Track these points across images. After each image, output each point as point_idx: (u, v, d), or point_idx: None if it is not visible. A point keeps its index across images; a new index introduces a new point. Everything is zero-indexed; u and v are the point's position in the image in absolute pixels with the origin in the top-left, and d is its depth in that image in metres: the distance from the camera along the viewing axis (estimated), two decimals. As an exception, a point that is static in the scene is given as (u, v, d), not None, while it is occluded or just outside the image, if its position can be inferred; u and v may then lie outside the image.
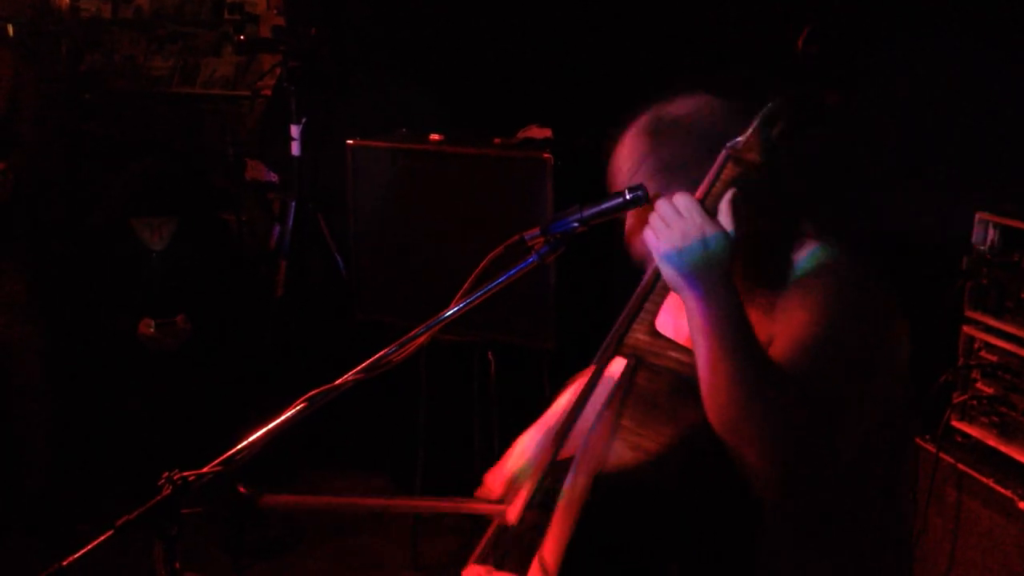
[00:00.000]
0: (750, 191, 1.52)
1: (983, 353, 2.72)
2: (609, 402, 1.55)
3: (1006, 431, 2.65)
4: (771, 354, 1.45)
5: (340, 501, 1.94)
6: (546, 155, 3.26)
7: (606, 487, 1.45)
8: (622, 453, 1.46)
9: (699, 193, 1.51)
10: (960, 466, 2.69)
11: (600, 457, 1.48)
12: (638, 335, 1.57)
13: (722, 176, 1.50)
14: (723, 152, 1.51)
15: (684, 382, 1.50)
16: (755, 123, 1.50)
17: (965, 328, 2.76)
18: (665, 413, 1.50)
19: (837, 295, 1.49)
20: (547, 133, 3.52)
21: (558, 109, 3.67)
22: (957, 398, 2.76)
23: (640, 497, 1.46)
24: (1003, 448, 2.64)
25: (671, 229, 1.46)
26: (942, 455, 2.73)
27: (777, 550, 1.54)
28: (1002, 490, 2.57)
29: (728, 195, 1.50)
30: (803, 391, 1.40)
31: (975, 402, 2.73)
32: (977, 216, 2.72)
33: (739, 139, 1.51)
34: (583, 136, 3.59)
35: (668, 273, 1.48)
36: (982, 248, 2.70)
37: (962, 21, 2.94)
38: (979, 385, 2.73)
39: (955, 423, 2.77)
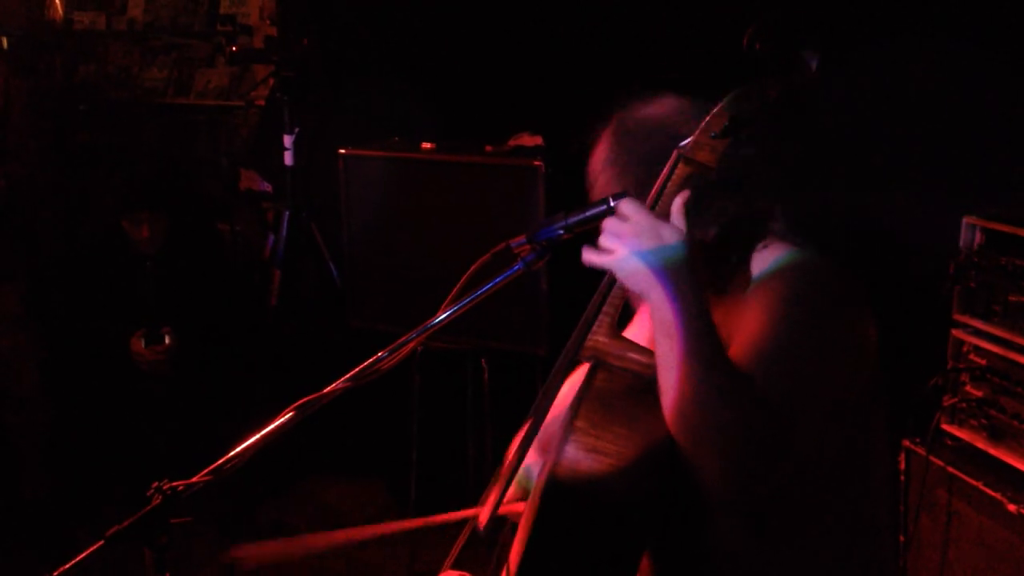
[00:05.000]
0: (704, 191, 1.53)
1: (972, 356, 2.73)
2: (571, 405, 1.55)
3: (995, 434, 2.66)
4: (729, 355, 1.45)
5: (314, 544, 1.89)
6: (537, 162, 3.27)
7: (560, 490, 1.43)
8: (576, 455, 1.44)
9: (651, 195, 1.52)
10: (950, 469, 2.70)
11: (552, 460, 1.47)
12: (598, 337, 1.57)
13: (673, 177, 1.51)
14: (674, 153, 1.53)
15: (643, 383, 1.49)
16: (703, 122, 1.51)
17: (954, 331, 2.77)
18: (621, 414, 1.49)
19: (797, 298, 1.50)
20: (538, 141, 3.53)
21: (549, 117, 3.68)
22: (947, 401, 2.77)
23: (595, 499, 1.44)
24: (992, 451, 2.65)
25: (620, 238, 1.46)
26: (932, 458, 2.74)
27: (736, 550, 1.54)
28: (992, 493, 2.58)
29: (680, 197, 1.50)
30: (759, 391, 1.40)
31: (964, 405, 2.74)
32: (964, 220, 2.73)
33: (688, 139, 1.52)
34: (574, 143, 3.60)
35: (625, 281, 1.48)
36: (970, 252, 2.72)
37: (950, 25, 2.96)
38: (968, 388, 2.74)
39: (945, 426, 2.78)
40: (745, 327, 1.50)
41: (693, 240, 1.48)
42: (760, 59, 1.53)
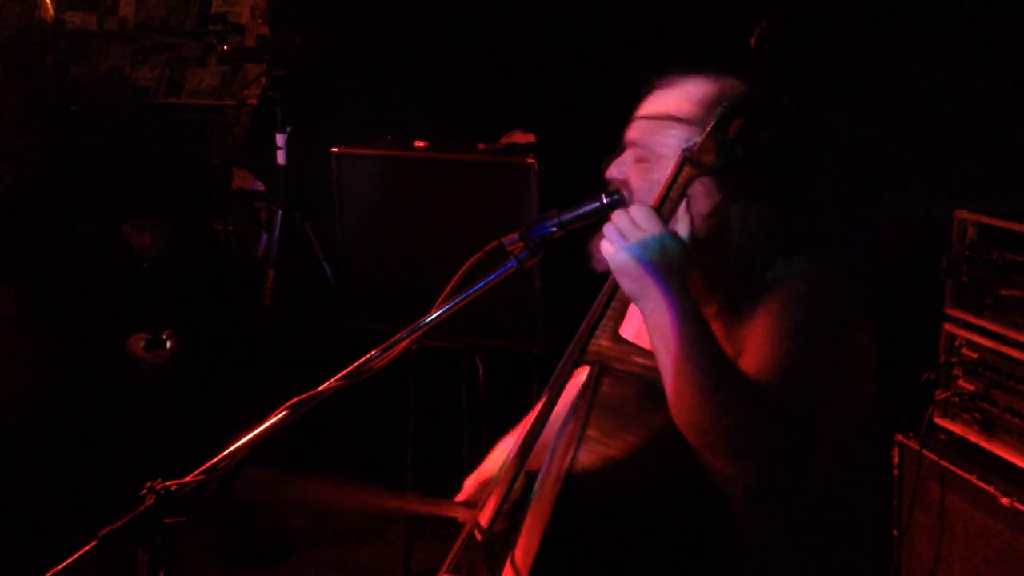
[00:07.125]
0: (709, 196, 1.53)
1: (964, 350, 2.74)
2: (574, 410, 1.54)
3: (988, 427, 2.67)
4: (740, 365, 1.44)
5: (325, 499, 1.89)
6: (530, 160, 3.27)
7: (575, 494, 1.44)
8: (589, 462, 1.44)
9: (656, 197, 1.51)
10: (943, 463, 2.71)
11: (565, 465, 1.47)
12: (601, 342, 1.56)
13: (679, 180, 1.49)
14: (680, 155, 1.50)
15: (651, 386, 1.48)
16: (710, 124, 1.48)
17: (946, 326, 2.78)
18: (632, 420, 1.48)
19: (805, 307, 1.49)
20: (531, 138, 3.53)
21: (542, 114, 3.69)
22: (939, 395, 2.78)
23: (609, 503, 1.45)
24: (985, 444, 2.66)
25: (627, 240, 1.44)
26: (925, 452, 2.75)
27: (745, 553, 1.53)
28: (984, 486, 2.59)
29: (684, 201, 1.49)
30: (771, 400, 1.39)
31: (957, 399, 2.75)
32: (956, 214, 2.74)
33: (695, 141, 1.49)
34: (567, 141, 3.61)
35: (626, 284, 1.47)
36: (962, 246, 2.73)
37: (940, 20, 2.96)
38: (961, 382, 2.75)
39: (938, 420, 2.79)
40: (756, 337, 1.48)
41: (693, 245, 1.47)
42: (769, 61, 1.48)
